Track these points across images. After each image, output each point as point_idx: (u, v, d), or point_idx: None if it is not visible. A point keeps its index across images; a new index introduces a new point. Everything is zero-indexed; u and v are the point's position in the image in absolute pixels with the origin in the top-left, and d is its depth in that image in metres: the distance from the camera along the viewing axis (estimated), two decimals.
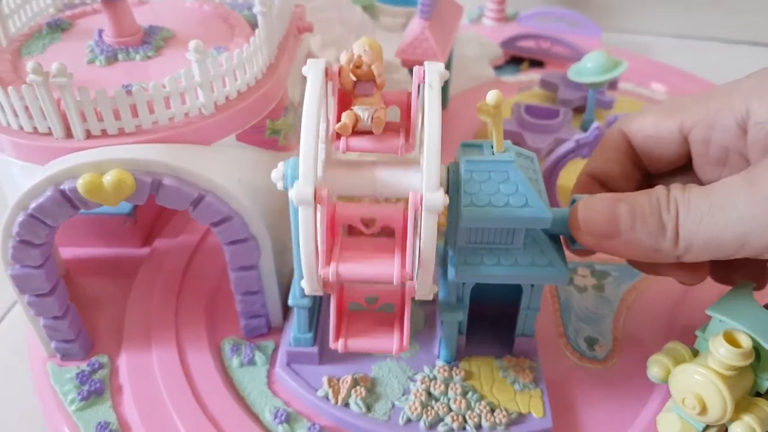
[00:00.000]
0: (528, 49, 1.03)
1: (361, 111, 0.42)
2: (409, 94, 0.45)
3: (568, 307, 0.59)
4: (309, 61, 0.42)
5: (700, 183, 0.46)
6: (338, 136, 0.43)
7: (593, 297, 0.60)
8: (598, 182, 0.50)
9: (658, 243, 0.41)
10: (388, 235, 0.44)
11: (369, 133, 0.43)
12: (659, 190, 0.42)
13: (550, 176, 0.65)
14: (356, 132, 0.43)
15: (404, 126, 0.44)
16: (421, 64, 0.44)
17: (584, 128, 0.78)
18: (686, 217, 0.40)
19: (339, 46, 0.79)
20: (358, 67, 0.42)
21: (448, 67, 0.83)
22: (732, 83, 0.44)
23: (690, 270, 0.45)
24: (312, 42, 0.71)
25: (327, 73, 0.42)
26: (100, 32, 0.54)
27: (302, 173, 0.39)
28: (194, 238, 0.65)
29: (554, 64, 1.01)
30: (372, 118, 0.42)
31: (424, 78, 0.41)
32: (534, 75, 0.96)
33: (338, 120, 0.43)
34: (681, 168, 0.49)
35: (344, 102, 0.44)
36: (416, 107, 0.44)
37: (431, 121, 0.39)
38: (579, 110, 0.83)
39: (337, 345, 0.45)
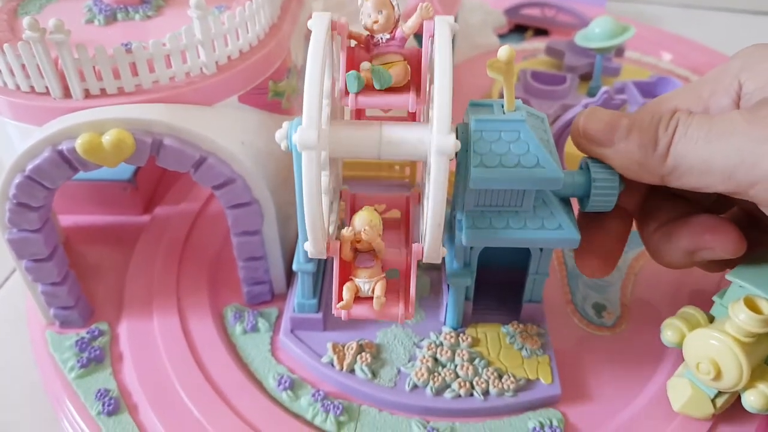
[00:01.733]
0: (533, 17, 1.01)
1: (362, 283, 0.43)
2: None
3: (575, 274, 0.58)
4: (314, 14, 0.40)
5: None
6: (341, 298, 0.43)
7: None
8: None
9: (646, 156, 0.41)
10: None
11: (369, 299, 0.43)
12: (665, 112, 0.42)
13: (558, 142, 0.63)
14: (358, 299, 0.43)
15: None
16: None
17: (591, 94, 0.76)
18: (682, 137, 0.40)
19: (342, 10, 0.77)
20: (358, 242, 0.43)
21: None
22: (721, 67, 0.44)
23: (725, 237, 0.44)
24: (314, 5, 0.69)
25: (334, 26, 0.40)
26: None
27: (306, 117, 0.37)
28: (196, 206, 0.64)
29: (559, 32, 0.99)
30: (373, 289, 0.43)
31: (434, 33, 0.40)
32: (539, 43, 0.94)
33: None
34: None
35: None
36: (426, 63, 0.42)
37: (442, 61, 0.38)
38: (585, 77, 0.81)
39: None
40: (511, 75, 0.42)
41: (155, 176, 0.68)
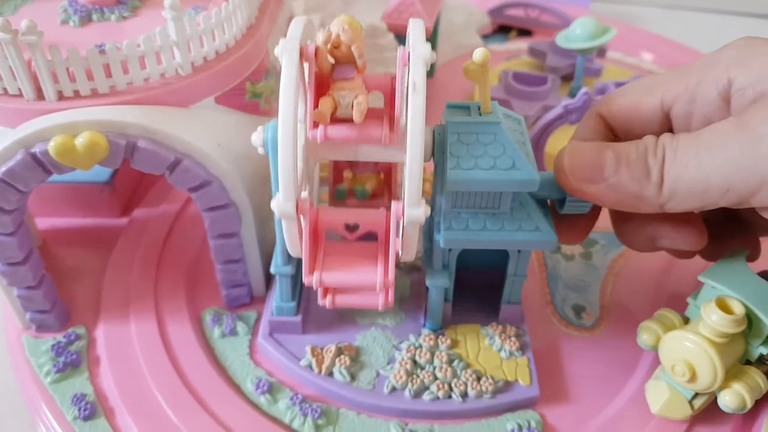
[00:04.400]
0: (516, 18, 1.01)
1: (341, 97, 0.39)
2: (393, 78, 0.42)
3: (555, 276, 0.58)
4: (280, 41, 0.39)
5: None
6: (316, 124, 0.40)
7: (580, 265, 0.59)
8: None
9: (642, 188, 0.40)
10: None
11: (349, 120, 0.40)
12: (648, 138, 0.41)
13: (538, 143, 0.63)
14: (335, 119, 0.40)
15: (388, 113, 0.42)
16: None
17: (572, 95, 0.77)
18: (672, 161, 0.39)
19: (323, 11, 0.77)
20: (336, 47, 0.38)
21: (434, 34, 0.82)
22: (710, 56, 0.43)
23: (686, 232, 0.44)
24: (295, 6, 0.69)
25: (302, 53, 0.39)
26: None
27: (282, 187, 0.38)
28: (175, 208, 0.64)
29: (543, 33, 0.99)
30: (353, 104, 0.39)
31: (408, 60, 0.39)
32: (522, 44, 0.95)
33: (316, 106, 0.40)
34: None
35: (322, 85, 0.41)
36: (401, 92, 0.41)
37: (414, 129, 0.37)
38: (567, 78, 0.81)
39: (311, 279, 0.42)
40: (486, 77, 0.42)
41: (133, 178, 0.67)
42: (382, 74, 0.43)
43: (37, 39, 0.42)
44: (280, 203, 0.39)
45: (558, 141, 0.66)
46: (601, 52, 0.85)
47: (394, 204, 0.40)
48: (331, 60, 0.40)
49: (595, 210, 0.47)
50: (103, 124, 0.43)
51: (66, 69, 0.44)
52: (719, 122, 0.39)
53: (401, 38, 0.44)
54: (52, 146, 0.42)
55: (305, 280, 0.42)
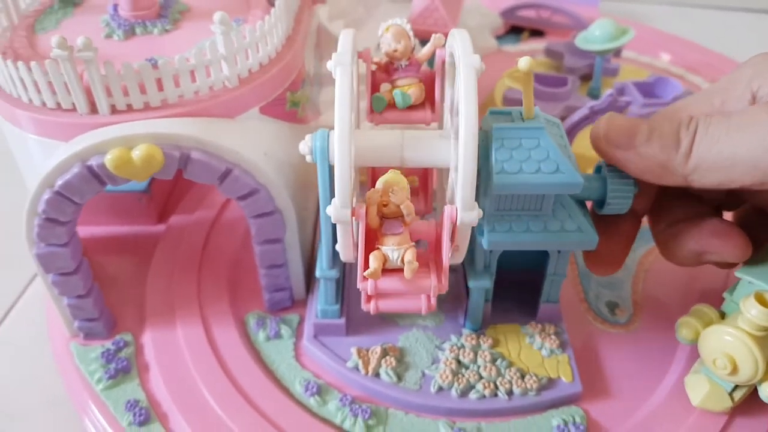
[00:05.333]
0: (528, 19, 1.03)
1: (390, 251, 0.41)
2: (439, 225, 0.43)
3: (587, 273, 0.60)
4: (333, 55, 0.42)
5: None
6: (364, 278, 0.42)
7: None
8: None
9: (669, 158, 0.42)
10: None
11: (399, 271, 0.41)
12: (683, 115, 0.43)
13: None
14: (385, 271, 0.42)
15: (434, 258, 0.44)
16: (431, 34, 0.47)
17: (591, 95, 0.78)
18: (704, 135, 0.41)
19: (347, 18, 0.78)
20: (385, 205, 0.41)
21: None
22: (729, 76, 0.45)
23: (732, 244, 0.46)
24: (320, 13, 0.70)
25: (359, 55, 0.45)
26: (115, 6, 0.53)
27: (338, 194, 0.40)
28: (210, 214, 0.65)
29: (554, 33, 1.01)
30: (402, 258, 0.41)
31: (445, 60, 0.45)
32: (535, 44, 0.96)
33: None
34: None
35: (370, 239, 0.42)
36: (440, 83, 0.47)
37: (467, 134, 0.40)
38: (584, 78, 0.83)
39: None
40: (530, 84, 0.43)
41: (169, 186, 0.68)
42: (427, 223, 0.44)
43: (93, 55, 0.43)
44: (337, 209, 0.41)
45: (584, 141, 0.68)
46: (617, 51, 0.86)
47: (447, 208, 0.41)
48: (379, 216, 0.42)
49: (632, 234, 0.49)
50: (157, 136, 0.44)
51: (120, 83, 0.45)
52: (753, 106, 0.41)
53: (425, 43, 0.47)
54: (109, 159, 0.44)
55: (359, 285, 0.42)
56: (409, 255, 0.40)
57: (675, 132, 0.42)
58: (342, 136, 0.39)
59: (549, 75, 0.78)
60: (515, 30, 1.04)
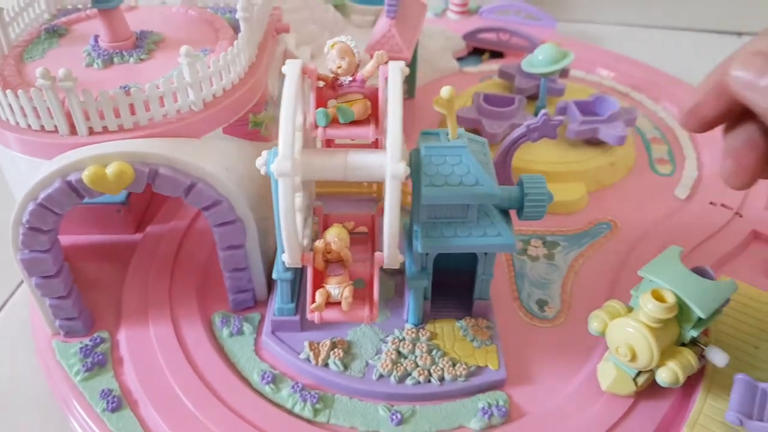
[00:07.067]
0: (489, 41, 1.10)
1: (332, 289, 0.52)
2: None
3: (522, 275, 0.66)
4: (287, 61, 0.48)
5: None
6: (312, 311, 0.52)
7: (544, 265, 0.67)
8: None
9: None
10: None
11: (339, 304, 0.52)
12: None
13: (506, 158, 0.71)
14: (329, 304, 0.52)
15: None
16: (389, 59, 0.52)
17: (536, 114, 0.85)
18: None
19: (313, 44, 0.85)
20: (328, 252, 0.51)
21: (414, 60, 0.90)
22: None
23: None
24: (287, 40, 0.77)
25: (304, 71, 0.49)
26: (96, 37, 0.59)
27: (281, 149, 0.46)
28: (183, 224, 0.71)
29: (513, 54, 1.07)
30: (341, 295, 0.51)
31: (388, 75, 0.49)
32: (494, 65, 1.03)
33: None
34: None
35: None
36: (383, 99, 0.51)
37: (394, 102, 0.47)
38: (533, 98, 0.89)
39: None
40: (453, 109, 0.50)
41: (145, 199, 0.74)
42: (363, 265, 0.54)
43: (72, 84, 0.49)
44: (278, 161, 0.46)
45: (523, 155, 0.75)
46: (564, 72, 0.93)
47: (377, 255, 0.51)
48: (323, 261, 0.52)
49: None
50: (129, 155, 0.51)
51: (96, 108, 0.51)
52: None
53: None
54: (86, 175, 0.50)
55: (308, 316, 0.52)
56: (346, 292, 0.51)
57: None
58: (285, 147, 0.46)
59: (497, 95, 0.85)
60: (477, 51, 1.11)
